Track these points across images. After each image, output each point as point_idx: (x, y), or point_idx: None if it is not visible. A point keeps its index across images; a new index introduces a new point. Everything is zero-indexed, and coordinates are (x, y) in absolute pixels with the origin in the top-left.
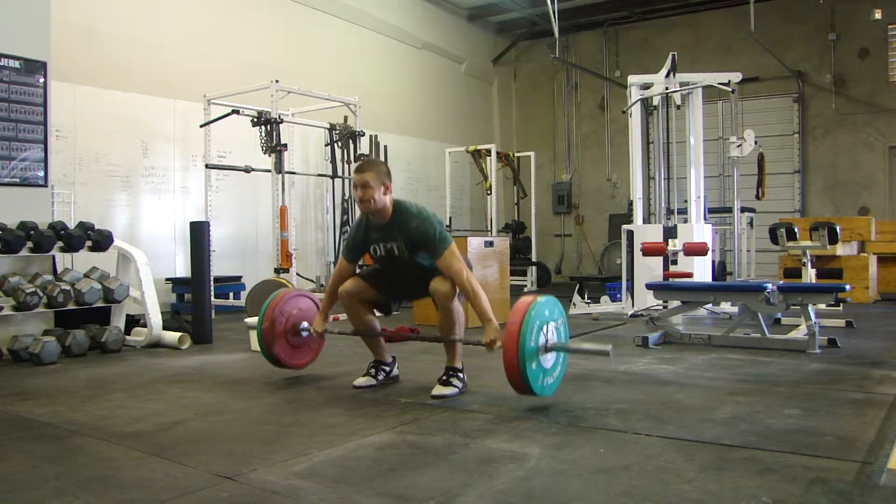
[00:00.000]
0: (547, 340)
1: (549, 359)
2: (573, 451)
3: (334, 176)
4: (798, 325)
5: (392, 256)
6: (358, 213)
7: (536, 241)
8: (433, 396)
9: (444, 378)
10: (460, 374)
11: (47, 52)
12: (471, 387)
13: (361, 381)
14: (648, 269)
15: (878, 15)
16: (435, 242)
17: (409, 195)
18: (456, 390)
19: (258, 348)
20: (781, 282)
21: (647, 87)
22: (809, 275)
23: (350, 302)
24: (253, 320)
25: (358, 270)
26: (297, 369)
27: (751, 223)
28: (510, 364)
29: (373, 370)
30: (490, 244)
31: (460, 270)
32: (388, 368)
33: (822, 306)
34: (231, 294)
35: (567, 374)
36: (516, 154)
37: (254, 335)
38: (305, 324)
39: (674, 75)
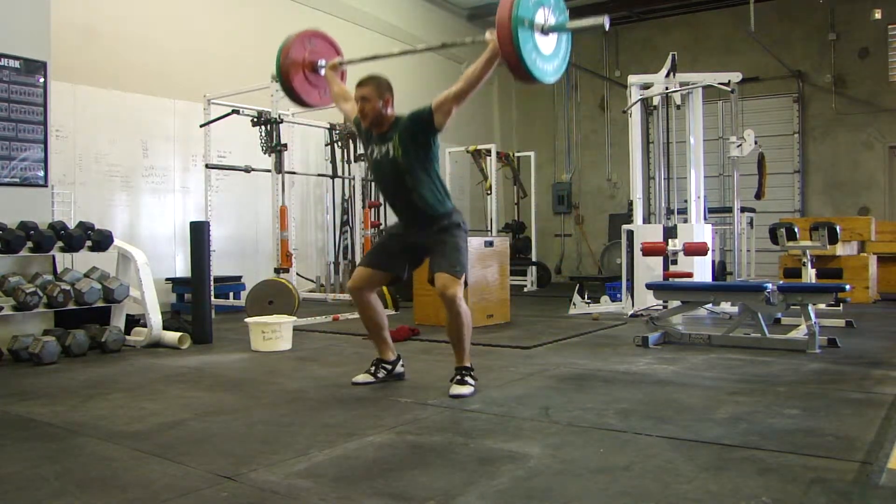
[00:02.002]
0: (545, 21)
1: (546, 43)
2: (573, 451)
3: (334, 176)
4: (798, 325)
5: (386, 163)
6: (358, 213)
7: (536, 241)
8: (451, 396)
9: (459, 378)
10: (472, 373)
11: (47, 52)
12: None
13: (360, 377)
14: (648, 269)
15: (878, 15)
16: (426, 107)
17: None
18: (472, 389)
19: (258, 348)
20: (781, 282)
21: (647, 87)
22: (809, 275)
23: (358, 296)
24: (253, 320)
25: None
26: (311, 107)
27: (751, 223)
28: (503, 36)
29: (373, 368)
30: (490, 244)
31: (450, 90)
32: (389, 367)
33: (822, 306)
34: (231, 294)
35: (567, 373)
36: (516, 154)
37: (254, 335)
38: (323, 61)
39: (674, 75)
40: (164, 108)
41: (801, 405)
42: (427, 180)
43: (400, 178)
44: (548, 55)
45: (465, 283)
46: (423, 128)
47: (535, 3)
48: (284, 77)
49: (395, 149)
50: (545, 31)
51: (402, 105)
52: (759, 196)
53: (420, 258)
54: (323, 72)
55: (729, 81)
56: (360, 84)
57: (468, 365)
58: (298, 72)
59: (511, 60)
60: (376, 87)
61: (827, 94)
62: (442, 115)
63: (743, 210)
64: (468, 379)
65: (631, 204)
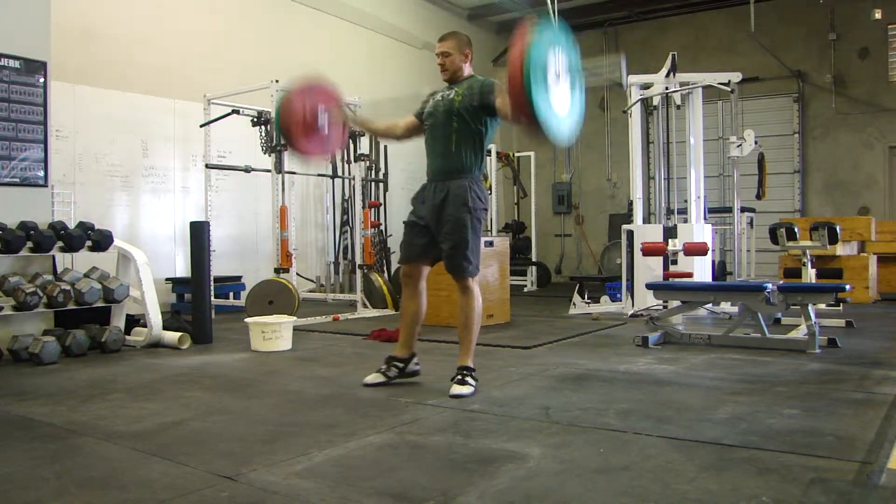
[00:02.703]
0: (558, 66)
1: (562, 92)
2: (573, 451)
3: (334, 176)
4: (798, 325)
5: (442, 106)
6: (358, 213)
7: (536, 241)
8: (451, 396)
9: (460, 378)
10: (474, 374)
11: (47, 52)
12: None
13: (371, 378)
14: (648, 269)
15: (878, 15)
16: (492, 90)
17: (410, 194)
18: (472, 389)
19: (258, 348)
20: (781, 282)
21: (647, 87)
22: (809, 275)
23: (407, 284)
24: (253, 320)
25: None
26: (308, 155)
27: (751, 223)
28: (516, 89)
29: (384, 367)
30: (490, 244)
31: (503, 107)
32: (401, 364)
33: (822, 306)
34: (231, 294)
35: (567, 373)
36: (516, 154)
37: (254, 335)
38: (325, 112)
39: (674, 75)
40: (164, 108)
41: (801, 405)
42: (468, 138)
43: (449, 119)
44: (563, 115)
45: (478, 271)
46: (486, 97)
47: (546, 46)
48: (286, 135)
49: (457, 95)
50: (559, 75)
51: (403, 107)
52: (759, 196)
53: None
54: (324, 125)
55: (729, 81)
56: (441, 39)
57: (471, 365)
58: (300, 127)
59: (526, 117)
60: (456, 43)
61: (827, 94)
62: (500, 116)
63: (743, 210)
64: (469, 379)
65: (631, 204)
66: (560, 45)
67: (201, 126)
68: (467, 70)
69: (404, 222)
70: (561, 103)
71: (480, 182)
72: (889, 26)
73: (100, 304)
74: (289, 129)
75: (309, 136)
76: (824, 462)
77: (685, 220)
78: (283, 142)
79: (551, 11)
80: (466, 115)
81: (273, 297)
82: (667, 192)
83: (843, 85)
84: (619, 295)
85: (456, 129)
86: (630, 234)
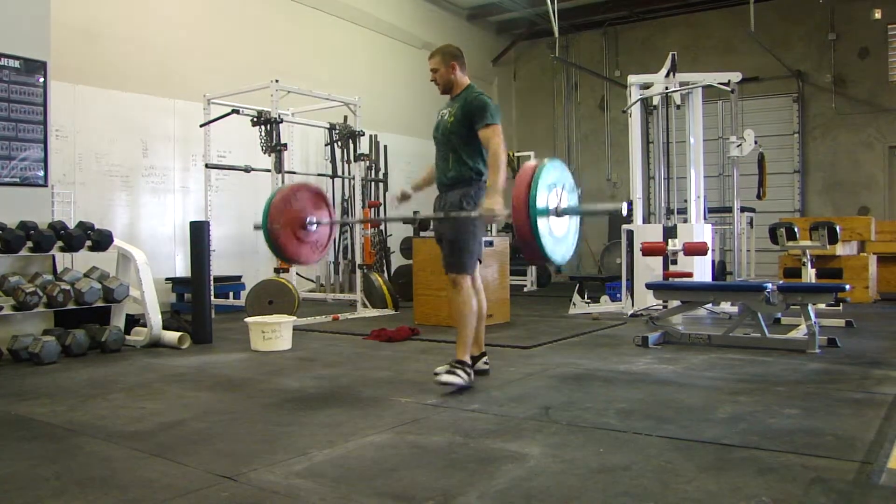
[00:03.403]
0: (559, 203)
1: (560, 225)
2: (573, 451)
3: (334, 176)
4: (798, 325)
5: (443, 123)
6: (358, 213)
7: None
8: (437, 382)
9: (450, 368)
10: (467, 369)
11: (47, 52)
12: (471, 387)
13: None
14: (648, 269)
15: (878, 15)
16: (486, 114)
17: None
18: (461, 381)
19: (258, 348)
20: (781, 282)
21: (647, 86)
22: (809, 275)
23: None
24: (253, 320)
25: None
26: (299, 263)
27: (751, 223)
28: (521, 229)
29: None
30: (490, 244)
31: (497, 144)
32: (469, 368)
33: (822, 306)
34: (231, 294)
35: (567, 373)
36: (516, 154)
37: (254, 335)
38: (313, 219)
39: (674, 75)
40: (164, 108)
41: (801, 405)
42: (465, 152)
43: (447, 138)
44: (561, 236)
45: (469, 270)
46: (476, 117)
47: (548, 187)
48: (273, 240)
49: (451, 115)
50: (560, 213)
51: (403, 107)
52: (759, 196)
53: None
54: (313, 227)
55: (729, 81)
56: (429, 58)
57: (462, 359)
58: (287, 232)
59: (531, 253)
60: (441, 57)
61: (827, 94)
62: (480, 133)
63: (743, 210)
64: (458, 371)
65: (631, 204)
66: (562, 185)
67: (201, 126)
68: (460, 78)
69: None
70: (559, 232)
71: (482, 187)
72: (889, 26)
73: (100, 303)
74: (278, 239)
75: (299, 243)
76: (824, 462)
77: (685, 220)
78: (275, 252)
79: (551, 11)
80: (462, 132)
81: (273, 297)
82: (667, 192)
83: (843, 85)
84: (618, 295)
85: (453, 147)
86: (630, 234)
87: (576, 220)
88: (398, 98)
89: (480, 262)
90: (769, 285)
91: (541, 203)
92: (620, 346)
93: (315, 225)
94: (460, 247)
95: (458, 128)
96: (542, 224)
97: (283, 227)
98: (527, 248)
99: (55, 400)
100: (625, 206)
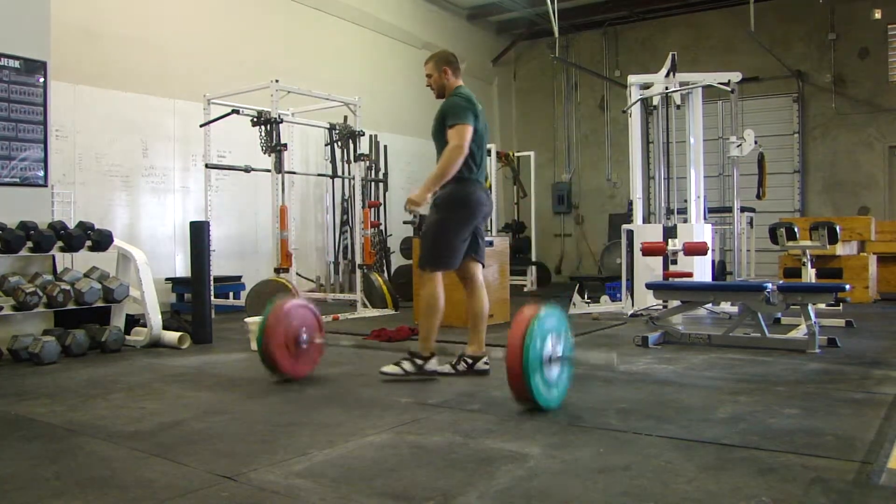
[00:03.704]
0: (552, 352)
1: (553, 371)
2: (573, 451)
3: (334, 176)
4: (798, 325)
5: (431, 128)
6: (358, 213)
7: (536, 241)
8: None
9: (399, 359)
10: (416, 360)
11: (47, 52)
12: (470, 387)
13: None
14: (648, 269)
15: (878, 15)
16: (452, 114)
17: (409, 194)
18: (402, 372)
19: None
20: (781, 282)
21: (647, 86)
22: (809, 275)
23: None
24: (253, 320)
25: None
26: (298, 378)
27: (751, 223)
28: (514, 375)
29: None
30: (490, 244)
31: (452, 144)
32: (419, 361)
33: (822, 306)
34: (231, 294)
35: None
36: (516, 154)
37: (254, 335)
38: (305, 335)
39: (674, 75)
40: (164, 108)
41: (801, 405)
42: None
43: (435, 139)
44: (553, 380)
45: (437, 267)
46: (447, 119)
47: (542, 338)
48: (267, 356)
49: (436, 120)
50: (553, 361)
51: (403, 107)
52: (759, 196)
53: None
54: (305, 346)
55: (729, 81)
56: (425, 64)
57: (421, 353)
58: (281, 348)
59: (524, 401)
60: (434, 63)
61: (827, 94)
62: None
63: (743, 210)
64: (404, 363)
65: (631, 204)
66: (556, 334)
67: (201, 126)
68: (451, 82)
69: None
70: (551, 379)
71: (466, 184)
72: (889, 26)
73: (100, 303)
74: (273, 355)
75: (293, 359)
76: (824, 462)
77: (685, 220)
78: (263, 364)
79: (551, 11)
80: (442, 134)
81: (273, 298)
82: (667, 192)
83: (843, 85)
84: (618, 295)
85: (439, 148)
86: (630, 234)
87: (567, 367)
88: (398, 98)
89: (482, 264)
90: (769, 285)
91: (535, 352)
92: (620, 346)
93: (306, 344)
94: (428, 244)
95: (439, 129)
96: (535, 373)
97: (276, 346)
98: (517, 390)
99: (55, 400)
100: (615, 358)
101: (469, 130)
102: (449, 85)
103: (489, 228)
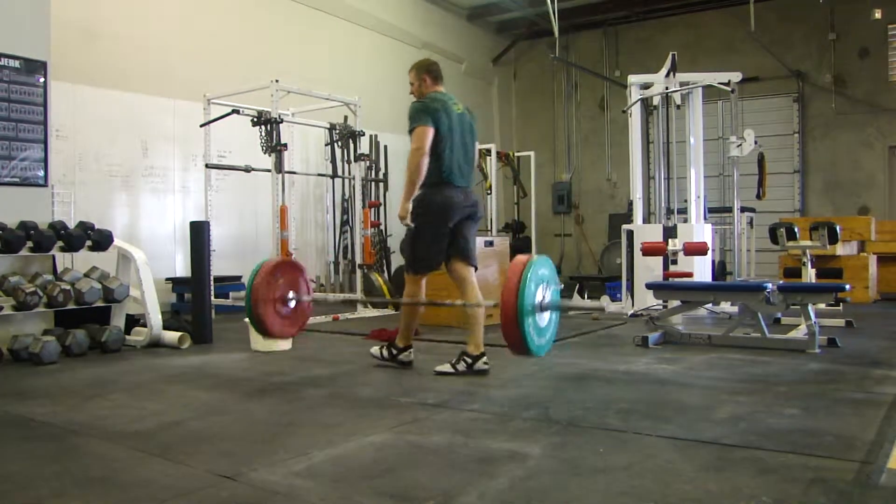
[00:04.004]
0: (543, 299)
1: (543, 318)
2: (573, 451)
3: (334, 176)
4: (798, 325)
5: None
6: (358, 213)
7: (536, 241)
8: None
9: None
10: (393, 351)
11: (47, 52)
12: (470, 387)
13: (375, 349)
14: (648, 269)
15: (878, 15)
16: (410, 119)
17: None
18: (377, 354)
19: (258, 348)
20: (781, 282)
21: (647, 86)
22: (809, 275)
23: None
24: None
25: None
26: (285, 338)
27: (751, 223)
28: (508, 320)
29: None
30: (490, 244)
31: (410, 148)
32: (394, 351)
33: (822, 306)
34: (231, 294)
35: (567, 373)
36: (516, 154)
37: (254, 335)
38: (292, 293)
39: (674, 75)
40: (164, 108)
41: (801, 405)
42: None
43: None
44: (543, 327)
45: (413, 270)
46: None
47: (535, 284)
48: (254, 313)
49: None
50: (544, 308)
51: (403, 107)
52: (759, 196)
53: None
54: (293, 304)
55: (729, 81)
56: (409, 72)
57: (398, 343)
58: (268, 307)
59: (516, 349)
60: (416, 72)
61: (827, 93)
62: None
63: (743, 210)
64: (383, 350)
65: (631, 204)
66: (547, 282)
67: (201, 126)
68: (428, 89)
69: None
70: (542, 326)
71: (436, 189)
72: (889, 26)
73: (100, 303)
74: (261, 315)
75: (281, 318)
76: (824, 462)
77: (685, 220)
78: (257, 328)
79: (551, 11)
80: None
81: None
82: (667, 192)
83: (843, 85)
84: (618, 295)
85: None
86: (630, 234)
87: (556, 314)
88: (398, 98)
89: (474, 266)
90: (769, 285)
91: (528, 297)
92: (620, 346)
93: (294, 301)
94: (406, 249)
95: (411, 135)
96: (528, 317)
97: (265, 303)
98: (510, 335)
99: (55, 400)
100: (606, 301)
101: (426, 132)
102: (424, 92)
103: (489, 228)
